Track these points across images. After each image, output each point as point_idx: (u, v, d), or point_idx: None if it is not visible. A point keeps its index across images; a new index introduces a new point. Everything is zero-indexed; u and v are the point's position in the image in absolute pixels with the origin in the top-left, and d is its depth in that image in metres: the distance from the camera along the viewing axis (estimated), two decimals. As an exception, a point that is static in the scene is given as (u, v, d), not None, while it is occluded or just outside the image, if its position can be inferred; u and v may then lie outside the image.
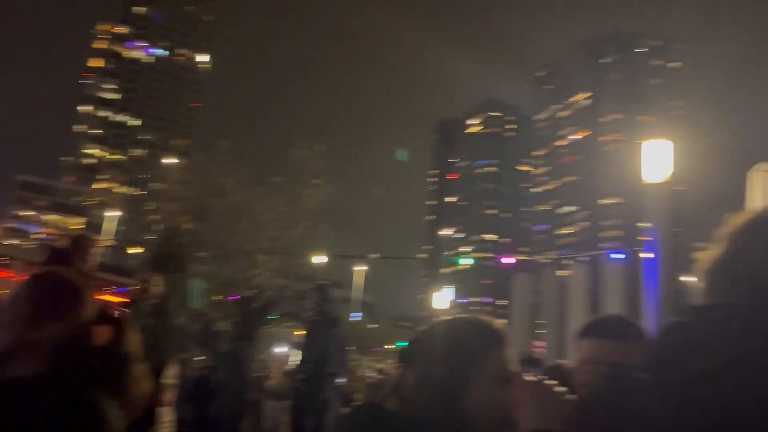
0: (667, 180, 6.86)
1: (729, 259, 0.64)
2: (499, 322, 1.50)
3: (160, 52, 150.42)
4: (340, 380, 7.46)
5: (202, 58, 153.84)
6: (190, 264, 8.38)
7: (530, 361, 5.42)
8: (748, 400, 0.49)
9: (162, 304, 5.50)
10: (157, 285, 5.54)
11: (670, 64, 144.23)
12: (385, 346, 23.23)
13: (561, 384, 1.35)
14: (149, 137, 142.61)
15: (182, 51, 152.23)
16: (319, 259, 10.39)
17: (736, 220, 0.68)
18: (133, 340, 1.90)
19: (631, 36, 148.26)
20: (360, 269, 36.16)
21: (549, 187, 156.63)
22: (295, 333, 10.97)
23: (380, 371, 12.19)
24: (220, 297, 9.26)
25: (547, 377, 1.36)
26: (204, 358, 9.39)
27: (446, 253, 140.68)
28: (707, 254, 0.67)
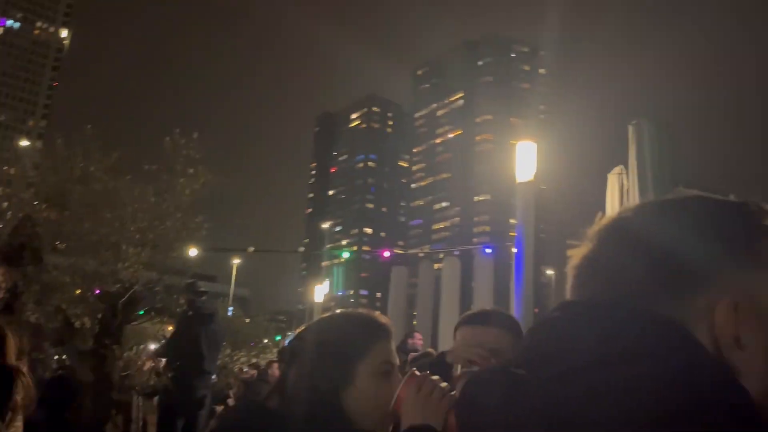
0: (533, 179, 7.27)
1: (592, 258, 0.68)
2: (381, 316, 1.50)
3: (12, 23, 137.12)
4: (213, 377, 7.23)
5: (62, 32, 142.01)
6: (45, 256, 7.73)
7: (410, 353, 5.53)
8: (602, 401, 0.51)
9: (12, 299, 5.04)
10: (7, 279, 5.08)
11: (540, 70, 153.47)
12: (260, 341, 22.87)
13: (439, 374, 1.37)
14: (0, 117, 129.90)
15: (40, 24, 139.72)
16: (193, 252, 9.98)
17: (602, 221, 0.71)
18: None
19: (506, 40, 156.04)
20: (235, 262, 35.33)
21: (425, 183, 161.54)
22: (166, 329, 10.48)
23: (254, 366, 11.97)
24: (81, 291, 8.62)
25: (429, 372, 1.38)
26: (62, 357, 8.76)
27: (325, 246, 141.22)
28: (576, 252, 0.70)
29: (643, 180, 6.41)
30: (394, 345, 1.47)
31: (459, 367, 1.56)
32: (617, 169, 6.44)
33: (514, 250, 7.40)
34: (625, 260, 0.65)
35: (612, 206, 6.49)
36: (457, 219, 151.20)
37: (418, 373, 1.36)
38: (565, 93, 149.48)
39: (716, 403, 0.51)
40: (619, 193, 6.55)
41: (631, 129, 6.35)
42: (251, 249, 27.29)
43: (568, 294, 0.69)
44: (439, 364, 1.67)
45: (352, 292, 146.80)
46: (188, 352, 6.77)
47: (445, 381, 1.35)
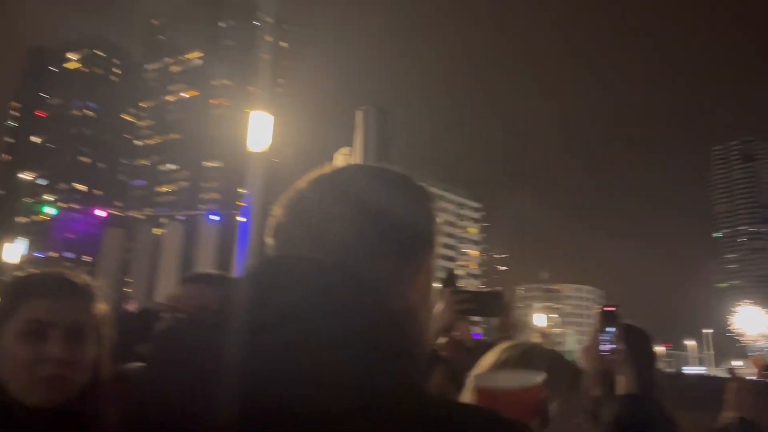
0: (266, 151, 7.35)
1: (299, 211, 0.69)
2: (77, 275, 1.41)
3: None
4: None
5: None
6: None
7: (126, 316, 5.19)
8: (293, 355, 0.52)
9: None
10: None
11: (281, 43, 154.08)
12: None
13: (138, 326, 1.36)
14: None
15: None
16: None
17: (310, 175, 0.73)
18: None
19: (251, 6, 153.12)
20: None
21: (152, 141, 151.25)
22: None
23: None
24: None
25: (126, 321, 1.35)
26: None
27: (24, 200, 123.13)
28: (276, 211, 0.71)
29: (367, 162, 6.92)
30: (60, 302, 1.35)
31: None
32: (344, 150, 6.84)
33: (242, 219, 7.40)
34: (333, 217, 0.66)
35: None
36: (184, 183, 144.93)
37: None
38: (305, 71, 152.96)
39: (395, 355, 0.55)
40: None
41: (359, 114, 6.79)
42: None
43: (272, 246, 0.69)
44: (141, 315, 1.66)
45: (55, 254, 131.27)
46: None
47: (145, 333, 1.34)
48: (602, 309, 1.87)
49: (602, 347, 1.78)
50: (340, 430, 0.50)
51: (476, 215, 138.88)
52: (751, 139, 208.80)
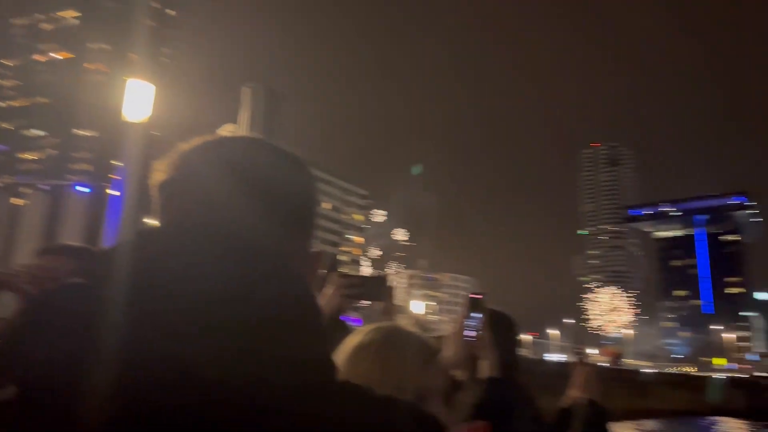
0: (145, 121, 6.97)
1: (182, 178, 0.67)
2: None
3: None
4: None
5: None
6: None
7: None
8: (186, 322, 0.50)
9: None
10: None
11: (167, 11, 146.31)
12: None
13: None
14: None
15: None
16: None
17: (194, 142, 0.71)
18: None
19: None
20: None
21: (16, 103, 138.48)
22: None
23: None
24: None
25: None
26: None
27: None
28: (155, 178, 0.69)
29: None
30: None
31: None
32: (229, 127, 6.65)
33: (114, 192, 6.99)
34: (222, 185, 0.64)
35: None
36: (52, 151, 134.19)
37: None
38: (193, 43, 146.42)
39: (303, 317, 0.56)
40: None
41: (246, 91, 6.62)
42: None
43: (152, 214, 0.67)
44: None
45: None
46: None
47: None
48: (469, 296, 1.95)
49: (467, 332, 1.85)
50: (243, 402, 0.49)
51: (362, 202, 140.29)
52: (616, 145, 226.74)
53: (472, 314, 1.88)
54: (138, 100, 7.03)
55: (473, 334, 1.85)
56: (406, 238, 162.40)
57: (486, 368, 1.83)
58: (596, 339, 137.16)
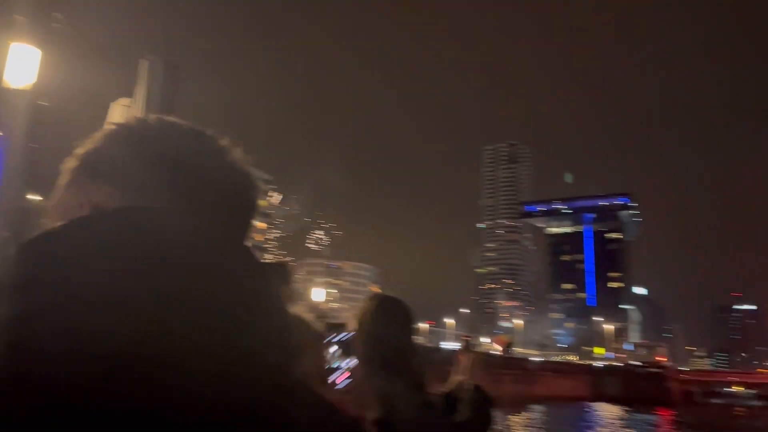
0: (29, 88, 6.48)
1: (95, 160, 0.65)
2: None
3: None
4: None
5: None
6: None
7: None
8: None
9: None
10: None
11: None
12: None
13: None
14: None
15: None
16: None
17: (99, 133, 0.69)
18: None
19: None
20: None
21: None
22: None
23: None
24: None
25: None
26: None
27: None
28: (69, 163, 0.67)
29: (151, 113, 6.45)
30: None
31: None
32: (125, 101, 6.30)
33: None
34: (150, 176, 0.62)
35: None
36: None
37: None
38: (89, 9, 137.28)
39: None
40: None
41: (143, 64, 6.30)
42: None
43: (55, 197, 0.65)
44: None
45: None
46: None
47: None
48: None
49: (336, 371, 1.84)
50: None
51: (266, 186, 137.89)
52: (516, 143, 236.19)
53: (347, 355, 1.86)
54: (22, 64, 6.54)
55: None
56: (311, 225, 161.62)
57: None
58: (489, 328, 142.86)
